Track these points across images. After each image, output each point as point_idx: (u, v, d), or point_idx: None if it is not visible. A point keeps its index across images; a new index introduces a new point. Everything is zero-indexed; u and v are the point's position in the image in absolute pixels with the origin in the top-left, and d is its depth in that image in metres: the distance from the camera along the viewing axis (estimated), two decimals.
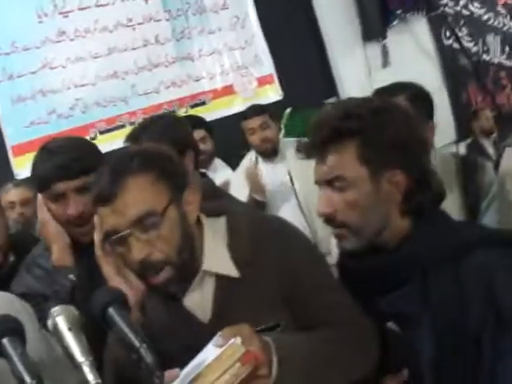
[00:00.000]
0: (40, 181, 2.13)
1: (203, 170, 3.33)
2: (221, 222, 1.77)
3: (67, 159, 2.07)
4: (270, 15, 5.79)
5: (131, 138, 2.49)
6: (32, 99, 5.16)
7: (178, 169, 1.72)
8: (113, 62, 5.33)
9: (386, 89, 2.62)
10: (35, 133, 5.00)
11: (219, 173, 4.67)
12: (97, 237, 1.73)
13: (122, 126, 5.26)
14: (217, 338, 1.45)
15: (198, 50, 5.59)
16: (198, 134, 4.57)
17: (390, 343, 1.71)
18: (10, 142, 5.03)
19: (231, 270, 1.69)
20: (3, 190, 4.44)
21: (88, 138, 5.14)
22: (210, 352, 1.44)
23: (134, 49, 5.38)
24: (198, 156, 2.56)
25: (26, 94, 5.14)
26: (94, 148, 2.23)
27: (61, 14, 5.23)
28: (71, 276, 2.09)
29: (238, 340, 1.41)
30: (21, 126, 5.07)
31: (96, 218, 1.69)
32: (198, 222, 1.73)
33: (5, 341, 1.33)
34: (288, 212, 4.21)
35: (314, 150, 1.70)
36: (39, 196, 2.17)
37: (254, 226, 1.75)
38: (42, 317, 2.01)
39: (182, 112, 5.41)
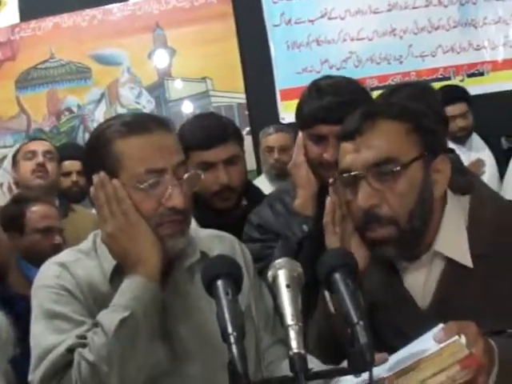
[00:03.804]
0: (304, 119, 2.12)
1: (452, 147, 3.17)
2: (464, 202, 1.63)
3: (335, 102, 2.02)
4: None
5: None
6: (307, 47, 5.24)
7: (436, 129, 1.62)
8: (392, 19, 5.21)
9: None
10: (305, 80, 4.85)
11: (475, 152, 4.41)
12: (329, 204, 1.66)
13: None
14: (437, 331, 1.31)
15: (482, 17, 5.25)
16: (460, 107, 4.35)
17: None
18: (279, 86, 5.16)
19: (465, 259, 1.55)
20: (264, 133, 4.57)
21: None
22: (427, 344, 1.31)
23: (415, 8, 5.20)
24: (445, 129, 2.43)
25: (302, 41, 5.24)
26: (366, 94, 2.19)
27: None
28: (305, 227, 2.06)
29: (463, 339, 1.27)
30: (292, 72, 5.18)
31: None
32: (443, 197, 1.60)
33: (219, 283, 1.27)
34: None
35: None
36: (299, 136, 2.16)
37: (502, 217, 1.59)
38: (266, 255, 2.03)
39: (457, 80, 5.18)
